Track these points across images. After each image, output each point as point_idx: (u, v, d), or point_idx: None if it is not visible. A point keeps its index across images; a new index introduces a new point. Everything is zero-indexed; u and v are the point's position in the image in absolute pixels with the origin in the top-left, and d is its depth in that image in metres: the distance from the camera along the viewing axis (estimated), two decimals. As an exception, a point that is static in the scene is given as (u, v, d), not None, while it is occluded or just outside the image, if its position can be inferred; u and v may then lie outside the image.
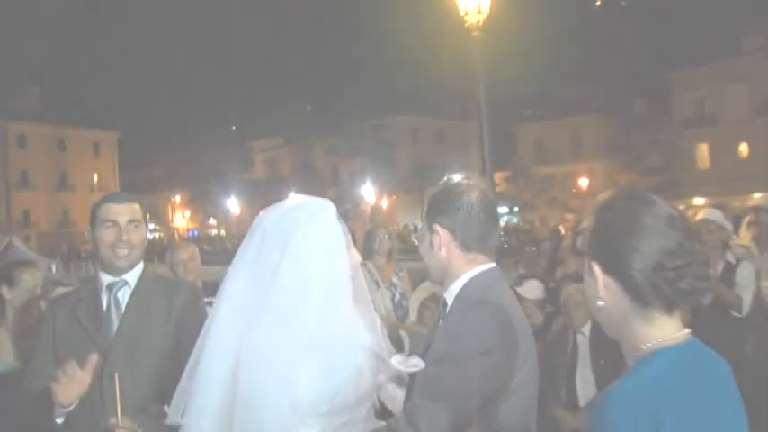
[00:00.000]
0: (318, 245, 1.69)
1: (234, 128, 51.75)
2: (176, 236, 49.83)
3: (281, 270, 1.65)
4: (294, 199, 1.85)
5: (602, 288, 1.15)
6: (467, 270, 1.67)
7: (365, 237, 4.67)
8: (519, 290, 5.04)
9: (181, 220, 54.94)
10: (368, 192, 39.69)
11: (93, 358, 1.84)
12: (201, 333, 1.76)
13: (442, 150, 41.43)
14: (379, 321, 1.83)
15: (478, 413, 1.51)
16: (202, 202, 49.12)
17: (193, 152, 47.92)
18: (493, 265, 1.70)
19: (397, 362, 1.58)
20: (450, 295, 1.69)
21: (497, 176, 26.11)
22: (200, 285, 3.89)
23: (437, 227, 1.68)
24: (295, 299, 1.64)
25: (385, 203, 39.17)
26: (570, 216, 9.84)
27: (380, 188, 40.26)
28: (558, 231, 9.87)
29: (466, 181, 1.75)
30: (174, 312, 2.13)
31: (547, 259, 6.92)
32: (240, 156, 50.62)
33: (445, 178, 1.79)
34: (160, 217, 54.15)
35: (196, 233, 51.70)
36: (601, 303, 1.16)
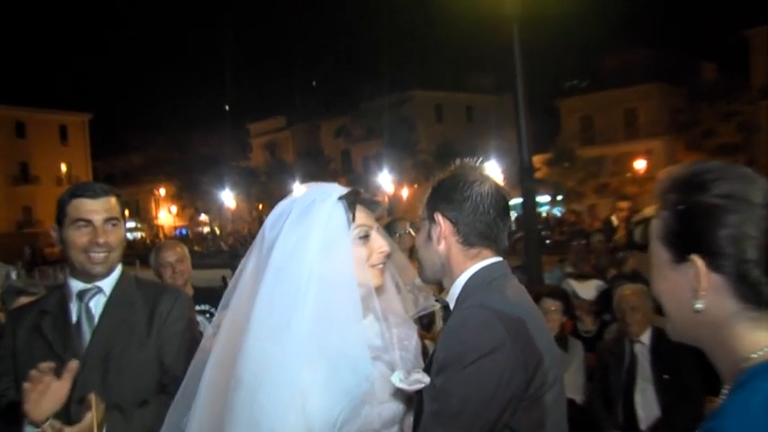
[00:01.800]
0: (312, 240, 1.70)
1: (227, 107, 52.08)
2: (161, 235, 50.52)
3: (267, 274, 1.70)
4: (300, 190, 1.88)
5: (706, 287, 1.04)
6: (468, 266, 1.71)
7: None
8: (576, 287, 5.02)
9: (166, 216, 55.63)
10: (385, 180, 39.68)
11: (73, 365, 1.81)
12: (200, 349, 1.81)
13: (470, 130, 41.32)
14: (412, 332, 1.86)
15: (500, 426, 1.51)
16: (191, 196, 49.64)
17: (180, 136, 48.35)
18: (499, 258, 1.73)
19: (398, 380, 1.58)
20: (452, 298, 1.72)
21: (537, 160, 25.98)
22: (190, 292, 3.96)
23: (438, 216, 1.73)
24: (284, 309, 1.66)
25: (405, 193, 39.13)
26: (624, 204, 9.73)
27: (399, 176, 40.24)
28: (610, 222, 9.78)
29: (479, 170, 1.77)
30: (156, 323, 2.13)
31: (597, 256, 6.88)
32: (235, 140, 51.00)
33: (458, 163, 1.81)
34: (141, 213, 55.05)
35: (184, 231, 52.40)
36: (700, 306, 1.05)
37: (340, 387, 1.64)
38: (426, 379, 1.57)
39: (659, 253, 1.11)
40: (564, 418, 1.65)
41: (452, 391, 1.50)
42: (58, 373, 1.81)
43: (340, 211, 1.77)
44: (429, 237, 1.76)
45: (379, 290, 1.91)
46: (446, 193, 1.74)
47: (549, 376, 1.57)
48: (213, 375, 1.74)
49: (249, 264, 1.84)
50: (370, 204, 1.89)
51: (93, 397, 1.82)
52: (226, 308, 1.84)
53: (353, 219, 1.78)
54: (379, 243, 1.82)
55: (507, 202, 1.77)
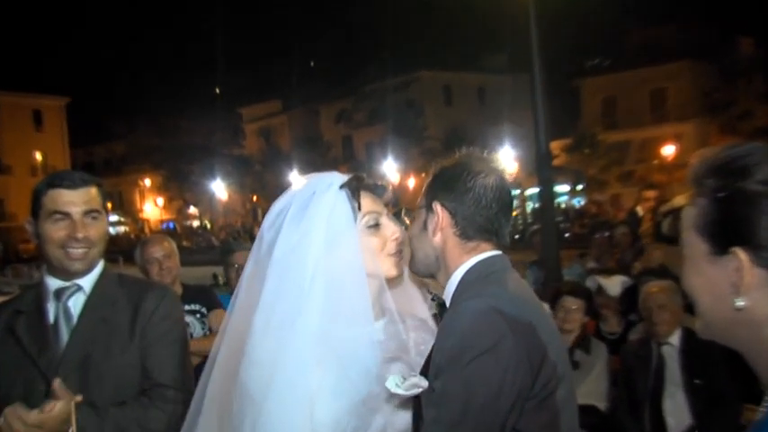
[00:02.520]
0: (316, 235, 1.73)
1: (218, 90, 52.14)
2: (147, 229, 50.61)
3: (270, 275, 1.73)
4: (298, 182, 1.91)
5: (749, 283, 1.02)
6: (465, 260, 1.72)
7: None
8: (603, 282, 5.02)
9: (152, 209, 55.79)
10: (390, 169, 39.63)
11: (57, 384, 1.82)
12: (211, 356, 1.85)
13: (482, 114, 41.20)
14: (430, 337, 1.87)
15: (507, 430, 1.51)
16: (179, 186, 49.70)
17: (167, 122, 48.33)
18: (498, 252, 1.75)
19: (394, 385, 1.58)
20: (448, 295, 1.74)
21: (555, 145, 25.94)
22: (178, 290, 3.99)
23: (437, 206, 1.74)
24: (289, 309, 1.69)
25: (412, 183, 39.11)
26: (651, 194, 9.67)
27: (405, 164, 40.19)
28: (635, 213, 9.74)
29: (486, 161, 1.79)
30: (140, 323, 2.13)
31: (621, 250, 6.86)
32: (227, 126, 51.13)
33: (464, 150, 1.83)
34: (125, 205, 55.16)
35: (172, 225, 52.47)
36: (741, 303, 1.03)
37: (349, 391, 1.66)
38: (424, 383, 1.57)
39: (695, 245, 1.08)
40: (575, 420, 1.65)
41: (453, 395, 1.50)
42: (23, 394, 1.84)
43: (343, 200, 1.79)
44: (424, 227, 1.78)
45: (396, 285, 1.92)
46: (447, 182, 1.75)
47: (557, 373, 1.57)
48: (216, 387, 1.78)
49: (248, 268, 1.87)
50: (376, 189, 1.90)
51: (58, 383, 1.83)
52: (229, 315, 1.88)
53: (359, 207, 1.80)
54: (392, 229, 1.84)
55: (512, 198, 1.80)
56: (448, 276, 1.75)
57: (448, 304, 1.72)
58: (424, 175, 1.90)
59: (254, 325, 1.72)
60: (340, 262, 1.72)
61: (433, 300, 1.80)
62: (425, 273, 1.84)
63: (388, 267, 1.83)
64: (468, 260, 1.72)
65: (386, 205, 1.95)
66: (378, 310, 1.82)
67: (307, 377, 1.64)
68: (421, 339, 1.91)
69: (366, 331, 1.71)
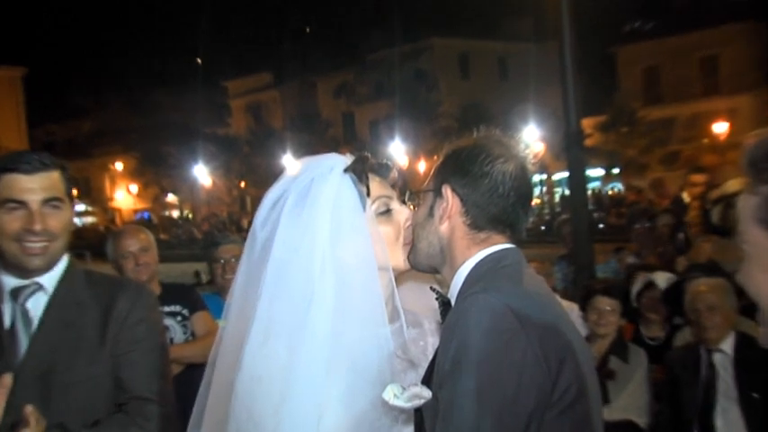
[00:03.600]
0: (321, 228, 1.75)
1: (199, 61, 52.05)
2: (118, 220, 50.73)
3: (268, 276, 1.76)
4: (293, 167, 1.92)
5: None
6: (473, 253, 1.74)
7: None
8: (655, 278, 5.00)
9: (124, 196, 55.88)
10: (397, 151, 39.59)
11: (6, 380, 1.82)
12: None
13: (504, 88, 41.12)
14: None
15: None
16: (156, 171, 49.74)
17: (141, 98, 48.41)
18: (511, 245, 1.77)
19: (392, 396, 1.59)
20: (453, 293, 1.75)
21: (587, 123, 25.81)
22: (156, 289, 4.02)
23: (447, 190, 1.76)
24: (296, 311, 1.72)
25: (422, 167, 39.09)
26: (699, 178, 9.58)
27: (415, 145, 40.15)
28: (681, 200, 9.70)
29: (507, 144, 1.81)
30: (112, 328, 2.13)
31: (664, 242, 6.83)
32: (210, 102, 51.13)
33: (483, 130, 1.85)
34: (93, 193, 55.20)
35: (147, 216, 52.56)
36: None
37: (361, 400, 1.68)
38: (427, 393, 1.58)
39: (756, 238, 1.09)
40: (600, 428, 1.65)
41: (462, 405, 1.49)
42: None
43: (348, 185, 1.81)
44: (431, 213, 1.80)
45: (408, 280, 1.92)
46: (461, 165, 1.77)
47: (579, 381, 1.57)
48: (215, 411, 1.80)
49: (240, 273, 1.89)
50: (380, 170, 1.90)
51: (30, 411, 1.82)
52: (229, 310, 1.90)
53: (368, 192, 1.80)
54: (406, 214, 1.87)
55: (532, 189, 1.82)
56: (453, 271, 1.76)
57: (453, 302, 1.72)
58: (435, 157, 1.91)
59: (251, 335, 1.73)
60: (349, 257, 1.74)
61: (436, 298, 1.80)
62: (427, 266, 1.86)
63: (403, 258, 1.85)
64: (476, 253, 1.74)
65: (391, 187, 1.95)
66: (390, 310, 1.82)
67: (318, 390, 1.67)
68: None
69: (380, 333, 1.73)
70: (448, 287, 1.80)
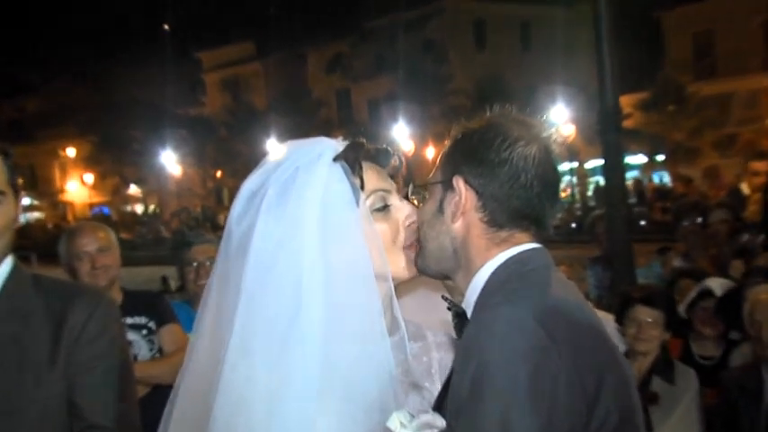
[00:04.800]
0: (307, 225, 1.75)
1: (167, 27, 51.88)
2: (71, 216, 50.61)
3: (246, 280, 1.76)
4: (276, 153, 1.93)
5: None
6: (493, 255, 1.74)
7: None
8: (710, 285, 4.98)
9: (78, 188, 55.69)
10: (401, 134, 39.59)
11: None
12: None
13: (527, 60, 41.06)
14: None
15: None
16: (116, 158, 49.60)
17: (98, 71, 48.17)
18: (537, 245, 1.77)
19: (398, 425, 1.61)
20: (469, 302, 1.75)
21: (626, 101, 25.73)
22: (118, 297, 4.03)
23: (459, 182, 1.76)
24: (278, 324, 1.72)
25: (431, 153, 39.07)
26: (760, 166, 9.59)
27: (422, 128, 40.13)
28: (738, 192, 9.71)
29: (529, 124, 1.80)
30: (65, 343, 2.12)
31: (719, 242, 6.82)
32: (180, 76, 50.89)
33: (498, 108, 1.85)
34: (40, 184, 54.96)
35: (106, 211, 52.46)
36: None
37: (357, 429, 1.69)
38: (440, 422, 1.58)
39: None
40: None
41: None
42: None
43: (339, 176, 1.81)
44: (440, 209, 1.80)
45: (413, 289, 1.92)
46: (475, 151, 1.76)
47: (620, 404, 1.57)
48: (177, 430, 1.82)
49: (214, 276, 1.91)
50: (378, 157, 1.89)
51: None
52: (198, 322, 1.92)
53: (362, 184, 1.79)
54: (406, 211, 1.87)
55: (559, 176, 1.82)
56: (469, 277, 1.76)
57: (469, 314, 1.72)
58: (446, 142, 1.90)
59: (228, 353, 1.74)
60: (341, 261, 1.74)
61: (449, 308, 1.80)
62: (437, 271, 1.86)
63: (401, 265, 1.85)
64: (496, 255, 1.73)
65: (392, 177, 1.94)
66: (388, 322, 1.82)
67: (308, 417, 1.67)
68: (449, 362, 1.92)
69: (378, 349, 1.74)
70: (462, 295, 1.80)
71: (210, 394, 1.74)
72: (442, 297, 1.84)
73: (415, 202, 1.95)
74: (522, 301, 1.58)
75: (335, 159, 1.82)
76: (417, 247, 1.87)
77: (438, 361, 1.93)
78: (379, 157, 1.93)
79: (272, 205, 1.79)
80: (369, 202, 1.83)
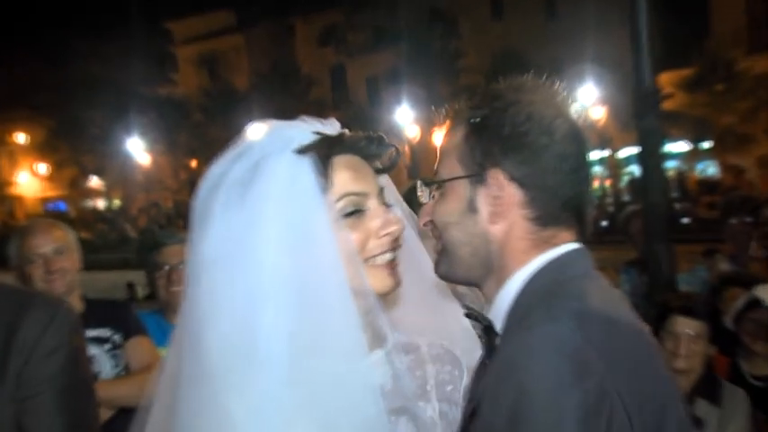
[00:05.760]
0: (267, 229, 1.74)
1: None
2: (21, 212, 50.45)
3: (199, 290, 1.78)
4: (245, 138, 1.95)
5: None
6: (531, 258, 1.73)
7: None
8: (760, 294, 4.98)
9: (29, 180, 55.72)
10: (404, 117, 39.60)
11: None
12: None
13: (551, 31, 40.94)
14: (459, 371, 1.96)
15: None
16: (74, 145, 49.59)
17: (52, 43, 48.06)
18: (577, 245, 1.77)
19: None
20: (498, 312, 1.74)
21: (667, 79, 25.68)
22: (78, 306, 4.06)
23: (499, 176, 1.73)
24: (236, 339, 1.72)
25: (440, 140, 39.01)
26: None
27: (428, 111, 40.06)
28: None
29: (555, 94, 1.81)
30: (15, 361, 2.13)
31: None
32: (148, 51, 50.76)
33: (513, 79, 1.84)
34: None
35: (62, 206, 52.31)
36: None
37: None
38: None
39: None
40: None
41: None
42: None
43: (305, 172, 1.79)
44: (471, 208, 1.78)
45: (398, 299, 1.92)
46: (512, 135, 1.73)
47: None
48: None
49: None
50: (367, 148, 1.89)
51: None
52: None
53: (329, 185, 1.80)
54: (384, 219, 1.85)
55: (588, 145, 1.81)
56: (500, 284, 1.75)
57: (498, 327, 1.72)
58: (447, 127, 1.89)
59: (183, 372, 1.76)
60: (309, 269, 1.73)
61: (467, 314, 1.80)
62: (464, 279, 1.86)
63: (374, 279, 1.84)
64: (534, 258, 1.73)
65: (384, 171, 1.94)
66: (371, 336, 1.84)
67: None
68: (447, 376, 1.95)
69: (359, 368, 1.73)
70: (484, 304, 1.81)
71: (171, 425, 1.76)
72: (465, 307, 1.84)
73: (422, 196, 1.92)
74: (566, 318, 1.56)
75: (301, 152, 1.81)
76: (391, 266, 1.86)
77: (434, 376, 1.94)
78: (370, 147, 1.92)
79: (230, 201, 1.80)
80: (338, 205, 1.82)
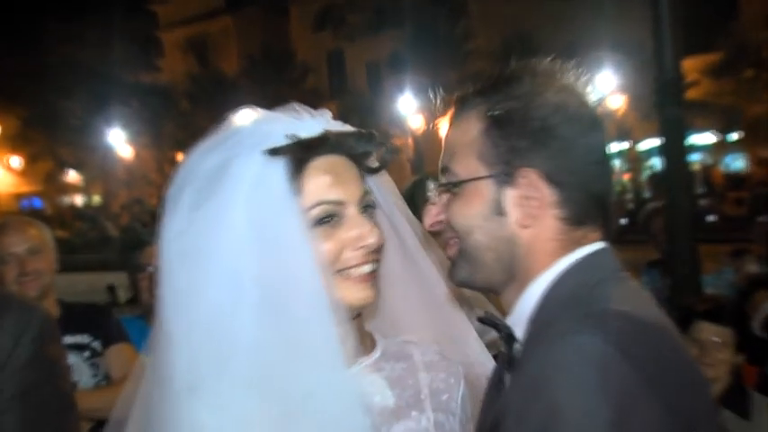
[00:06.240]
0: (234, 234, 1.75)
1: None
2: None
3: (166, 292, 1.82)
4: (223, 127, 1.95)
5: None
6: (557, 260, 1.72)
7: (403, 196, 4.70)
8: None
9: (2, 174, 55.42)
10: (407, 106, 39.58)
11: None
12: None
13: (566, 13, 40.91)
14: (454, 378, 1.97)
15: None
16: (50, 137, 49.55)
17: (26, 27, 47.99)
18: (603, 244, 1.76)
19: None
20: (519, 318, 1.73)
21: (691, 65, 25.62)
22: (54, 311, 4.06)
23: (531, 174, 1.70)
24: (202, 348, 1.74)
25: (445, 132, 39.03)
26: None
27: (434, 99, 40.02)
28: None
29: (566, 77, 1.80)
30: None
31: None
32: (131, 35, 50.72)
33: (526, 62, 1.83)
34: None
35: (37, 203, 52.25)
36: None
37: None
38: None
39: None
40: None
41: None
42: None
43: (274, 175, 1.79)
44: (498, 211, 1.74)
45: (387, 304, 1.94)
46: (541, 129, 1.71)
47: None
48: None
49: None
50: (355, 147, 1.90)
51: None
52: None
53: (299, 191, 1.80)
54: (361, 230, 1.84)
55: (608, 142, 1.82)
56: (522, 287, 1.74)
57: (519, 333, 1.71)
58: (448, 123, 1.88)
59: (155, 384, 1.80)
60: (277, 276, 1.74)
61: (484, 319, 1.80)
62: (484, 284, 1.84)
63: (348, 291, 1.84)
64: (560, 259, 1.72)
65: (375, 171, 1.95)
66: (354, 346, 1.86)
67: None
68: (442, 385, 1.96)
69: (337, 381, 1.73)
70: (507, 309, 1.79)
71: None
72: (484, 314, 1.83)
73: (434, 194, 1.89)
74: (597, 328, 1.53)
75: (272, 153, 1.79)
76: (369, 279, 1.85)
77: (428, 384, 1.94)
78: (358, 146, 1.90)
79: (198, 202, 1.81)
80: (312, 213, 1.81)
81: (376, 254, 1.86)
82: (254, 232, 1.74)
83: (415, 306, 2.13)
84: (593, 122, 1.74)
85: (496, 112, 1.75)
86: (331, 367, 1.73)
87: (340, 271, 1.82)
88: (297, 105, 1.96)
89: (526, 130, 1.71)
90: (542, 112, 1.71)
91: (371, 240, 1.83)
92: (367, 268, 1.85)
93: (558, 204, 1.71)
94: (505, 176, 1.73)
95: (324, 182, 1.82)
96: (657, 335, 1.61)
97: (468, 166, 1.78)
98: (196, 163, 1.85)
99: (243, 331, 1.71)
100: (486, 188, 1.75)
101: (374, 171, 2.00)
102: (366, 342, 1.95)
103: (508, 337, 1.74)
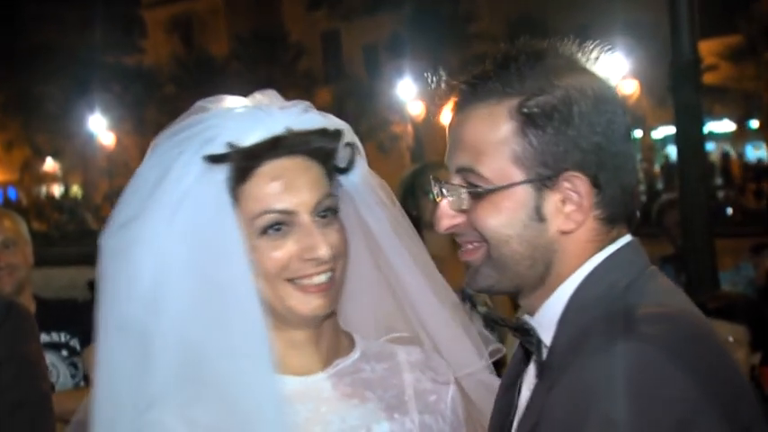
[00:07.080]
0: (165, 235, 1.80)
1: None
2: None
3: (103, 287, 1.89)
4: (182, 118, 1.96)
5: None
6: (587, 259, 1.69)
7: (401, 187, 4.67)
8: None
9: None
10: (407, 91, 39.56)
11: None
12: None
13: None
14: (443, 376, 1.99)
15: None
16: (26, 123, 49.49)
17: (1, 8, 47.91)
18: (630, 237, 1.75)
19: None
20: (546, 321, 1.70)
21: (707, 48, 25.63)
22: (31, 307, 4.03)
23: (577, 178, 1.65)
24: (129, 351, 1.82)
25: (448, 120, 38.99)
26: None
27: (436, 86, 39.97)
28: None
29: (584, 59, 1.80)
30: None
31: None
32: (113, 14, 50.55)
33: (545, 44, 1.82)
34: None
35: (12, 193, 52.21)
36: None
37: None
38: None
39: None
40: None
41: None
42: None
43: (213, 182, 1.82)
44: (538, 217, 1.69)
45: (361, 308, 1.96)
46: (583, 126, 1.67)
47: None
48: None
49: None
50: (317, 145, 1.90)
51: None
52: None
53: (248, 197, 1.84)
54: (310, 241, 1.85)
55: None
56: (550, 291, 1.72)
57: (548, 339, 1.69)
58: (452, 121, 1.86)
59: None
60: (210, 280, 1.79)
61: (488, 320, 1.80)
62: (510, 291, 1.81)
63: (297, 300, 1.87)
64: (591, 258, 1.70)
65: (343, 171, 1.98)
66: (326, 349, 1.92)
67: None
68: (429, 385, 1.99)
69: (263, 387, 1.78)
70: (531, 313, 1.77)
71: None
72: (489, 312, 1.83)
73: (442, 197, 1.81)
74: (645, 332, 1.51)
75: (211, 160, 1.81)
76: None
77: (412, 385, 1.96)
78: (320, 144, 1.91)
79: (141, 196, 1.86)
80: (257, 222, 1.83)
81: (330, 263, 1.87)
82: (186, 237, 1.79)
83: (390, 308, 2.14)
84: (624, 111, 1.73)
85: (534, 110, 1.67)
86: (255, 374, 1.76)
87: (290, 280, 1.84)
88: (272, 93, 1.98)
89: (567, 128, 1.66)
90: (584, 108, 1.66)
91: (321, 252, 1.83)
92: (318, 279, 1.86)
93: (596, 206, 1.68)
94: (547, 180, 1.67)
95: (271, 190, 1.83)
96: (701, 336, 1.60)
97: (500, 169, 1.69)
98: (151, 154, 1.89)
99: (167, 327, 1.78)
100: (524, 193, 1.68)
101: (342, 171, 2.01)
102: (343, 343, 1.98)
103: (532, 338, 1.72)
